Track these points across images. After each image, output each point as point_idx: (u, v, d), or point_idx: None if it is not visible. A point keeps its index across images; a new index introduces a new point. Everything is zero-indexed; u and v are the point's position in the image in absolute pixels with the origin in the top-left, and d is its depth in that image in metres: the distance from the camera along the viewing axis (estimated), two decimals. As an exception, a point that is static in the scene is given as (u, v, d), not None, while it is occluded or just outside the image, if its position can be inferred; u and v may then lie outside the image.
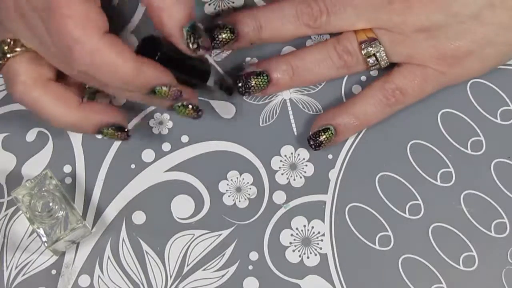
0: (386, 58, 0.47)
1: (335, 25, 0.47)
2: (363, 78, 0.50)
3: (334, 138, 0.47)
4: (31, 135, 0.49)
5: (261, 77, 0.47)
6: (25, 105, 0.44)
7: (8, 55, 0.43)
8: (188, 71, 0.45)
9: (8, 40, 0.43)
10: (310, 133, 0.47)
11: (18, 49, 0.43)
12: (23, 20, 0.42)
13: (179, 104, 0.44)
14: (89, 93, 0.46)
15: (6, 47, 0.43)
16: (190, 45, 0.42)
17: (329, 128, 0.47)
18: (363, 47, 0.47)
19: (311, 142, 0.47)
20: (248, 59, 0.50)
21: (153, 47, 0.43)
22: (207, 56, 0.47)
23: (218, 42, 0.47)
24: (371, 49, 0.47)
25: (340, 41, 0.48)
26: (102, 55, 0.40)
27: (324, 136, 0.47)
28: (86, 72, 0.41)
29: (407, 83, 0.47)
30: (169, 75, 0.43)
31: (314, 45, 0.49)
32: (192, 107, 0.45)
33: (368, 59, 0.47)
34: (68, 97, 0.44)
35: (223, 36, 0.46)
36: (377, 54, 0.47)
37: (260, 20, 0.47)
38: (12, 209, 0.48)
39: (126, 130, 0.45)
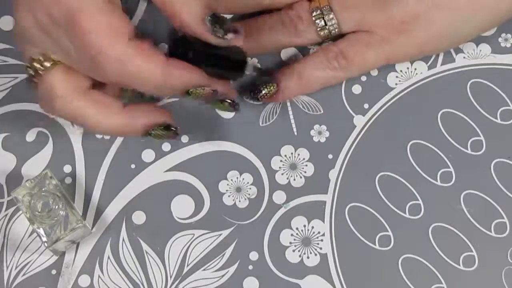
0: (335, 24, 0.47)
1: None
2: (363, 77, 0.50)
3: (275, 95, 0.48)
4: (31, 135, 0.49)
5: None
6: (67, 118, 0.43)
7: (41, 72, 0.42)
8: (224, 63, 0.44)
9: (39, 57, 0.42)
10: (255, 84, 0.48)
11: (48, 64, 0.42)
12: (48, 36, 0.41)
13: (216, 99, 0.44)
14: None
15: (37, 65, 0.42)
16: (219, 35, 0.42)
17: (271, 84, 0.47)
18: (313, 10, 0.47)
19: (252, 93, 0.48)
20: (248, 59, 0.50)
21: (184, 47, 0.43)
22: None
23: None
24: (320, 12, 0.47)
25: (294, 7, 0.48)
26: (129, 64, 0.40)
27: (265, 90, 0.47)
28: (118, 81, 0.41)
29: (349, 47, 0.47)
30: (202, 75, 0.42)
31: (271, 13, 0.49)
32: (229, 102, 0.45)
33: (317, 21, 0.47)
34: (109, 103, 0.43)
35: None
36: (326, 17, 0.47)
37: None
38: (12, 209, 0.48)
39: (174, 128, 0.44)
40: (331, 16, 0.47)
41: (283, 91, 0.48)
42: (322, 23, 0.47)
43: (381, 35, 0.47)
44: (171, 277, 0.46)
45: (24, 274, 0.47)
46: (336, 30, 0.48)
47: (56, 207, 0.44)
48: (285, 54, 0.51)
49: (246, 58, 0.45)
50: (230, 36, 0.42)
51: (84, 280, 0.46)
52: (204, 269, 0.47)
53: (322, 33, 0.48)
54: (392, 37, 0.47)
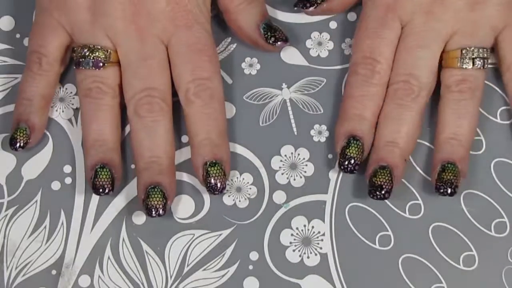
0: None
1: None
2: (363, 78, 0.50)
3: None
4: (31, 135, 0.49)
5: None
6: None
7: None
8: None
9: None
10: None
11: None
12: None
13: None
14: None
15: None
16: (269, 41, 0.48)
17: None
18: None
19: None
20: (248, 59, 0.50)
21: None
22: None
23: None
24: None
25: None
26: None
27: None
28: None
29: None
30: None
31: None
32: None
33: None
34: None
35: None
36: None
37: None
38: (12, 209, 0.48)
39: None
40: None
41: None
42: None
43: None
44: (171, 277, 0.46)
45: (24, 275, 0.47)
46: None
47: None
48: (285, 54, 0.51)
49: None
50: (279, 44, 0.48)
51: (84, 280, 0.46)
52: (204, 269, 0.47)
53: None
54: None
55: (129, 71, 0.46)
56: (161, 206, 0.45)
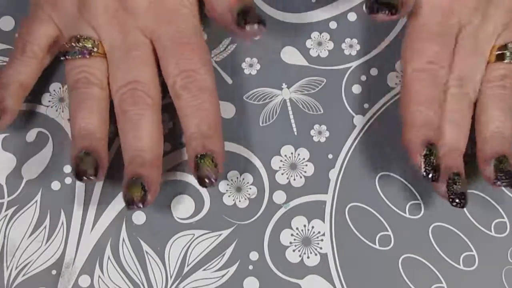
0: None
1: None
2: (363, 77, 0.50)
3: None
4: (31, 135, 0.49)
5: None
6: None
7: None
8: None
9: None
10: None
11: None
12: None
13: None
14: None
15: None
16: (240, 23, 0.43)
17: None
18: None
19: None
20: (248, 59, 0.50)
21: None
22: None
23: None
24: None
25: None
26: None
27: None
28: None
29: None
30: None
31: None
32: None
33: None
34: None
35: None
36: None
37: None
38: (12, 209, 0.48)
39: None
40: None
41: None
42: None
43: None
44: (171, 277, 0.46)
45: (24, 275, 0.47)
46: None
47: None
48: (285, 54, 0.51)
49: None
50: (254, 27, 0.43)
51: (84, 280, 0.46)
52: (204, 269, 0.47)
53: None
54: None
55: (114, 65, 0.46)
56: (139, 199, 0.44)
